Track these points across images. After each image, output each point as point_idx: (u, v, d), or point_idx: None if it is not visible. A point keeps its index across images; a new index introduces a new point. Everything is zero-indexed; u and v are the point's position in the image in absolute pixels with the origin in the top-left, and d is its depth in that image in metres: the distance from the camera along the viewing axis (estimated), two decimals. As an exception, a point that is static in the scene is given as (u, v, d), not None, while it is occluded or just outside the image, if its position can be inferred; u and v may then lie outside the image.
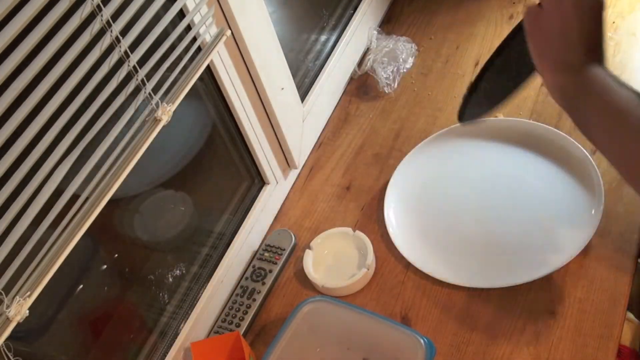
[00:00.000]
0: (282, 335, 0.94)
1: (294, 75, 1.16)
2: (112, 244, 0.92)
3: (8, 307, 0.67)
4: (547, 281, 0.96)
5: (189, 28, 0.88)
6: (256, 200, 1.14)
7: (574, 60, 0.73)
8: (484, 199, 1.09)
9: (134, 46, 0.77)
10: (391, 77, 1.31)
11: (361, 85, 1.36)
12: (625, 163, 0.71)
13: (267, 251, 1.11)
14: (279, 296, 1.06)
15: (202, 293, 1.03)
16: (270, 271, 1.08)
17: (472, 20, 1.41)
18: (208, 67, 0.96)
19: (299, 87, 1.20)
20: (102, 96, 0.74)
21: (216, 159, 1.10)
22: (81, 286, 0.86)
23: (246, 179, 1.15)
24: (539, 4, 0.74)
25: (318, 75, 1.28)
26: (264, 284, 1.06)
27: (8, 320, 0.67)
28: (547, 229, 1.01)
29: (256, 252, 1.12)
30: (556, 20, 0.72)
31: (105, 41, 0.73)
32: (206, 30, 0.91)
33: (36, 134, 0.67)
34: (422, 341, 0.88)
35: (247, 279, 1.08)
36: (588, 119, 0.73)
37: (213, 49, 0.91)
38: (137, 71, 0.78)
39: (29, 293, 0.69)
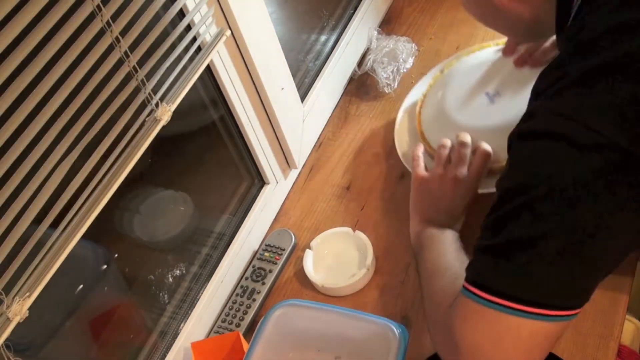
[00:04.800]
0: (255, 344, 0.93)
1: (294, 75, 1.16)
2: (112, 244, 0.92)
3: (8, 307, 0.67)
4: (547, 281, 0.96)
5: (189, 28, 0.88)
6: (256, 200, 1.14)
7: (436, 220, 0.93)
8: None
9: (134, 46, 0.77)
10: (391, 77, 1.31)
11: (361, 85, 1.36)
12: (428, 326, 0.79)
13: (267, 251, 1.11)
14: (279, 296, 1.06)
15: (202, 293, 1.03)
16: (270, 271, 1.08)
17: (472, 20, 1.38)
18: (208, 67, 0.96)
19: (299, 87, 1.20)
20: (102, 96, 0.74)
21: (216, 159, 1.10)
22: (81, 286, 0.86)
23: (246, 179, 1.15)
24: (428, 173, 0.98)
25: (318, 75, 1.28)
26: (264, 284, 1.06)
27: (8, 320, 0.67)
28: None
29: (256, 252, 1.12)
30: (436, 190, 0.95)
31: (105, 41, 0.73)
32: (206, 30, 0.91)
33: (36, 134, 0.67)
34: (393, 327, 0.89)
35: (247, 279, 1.08)
36: (419, 267, 0.90)
37: (213, 48, 0.91)
38: (137, 71, 0.78)
39: (28, 293, 0.69)
